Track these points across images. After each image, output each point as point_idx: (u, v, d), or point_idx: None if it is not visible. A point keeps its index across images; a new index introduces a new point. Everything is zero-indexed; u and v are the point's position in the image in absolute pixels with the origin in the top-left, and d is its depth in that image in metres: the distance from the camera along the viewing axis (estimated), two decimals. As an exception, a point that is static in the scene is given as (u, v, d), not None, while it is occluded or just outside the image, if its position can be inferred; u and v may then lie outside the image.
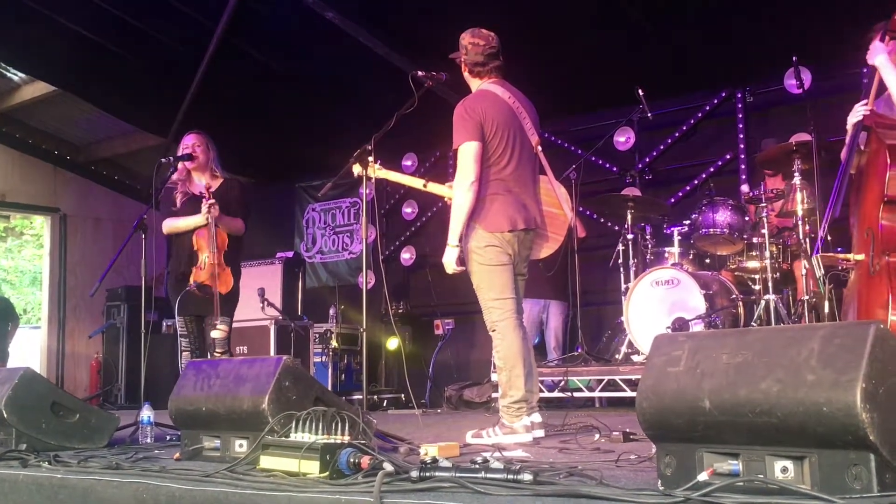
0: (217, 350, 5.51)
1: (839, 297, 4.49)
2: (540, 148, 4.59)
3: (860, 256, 4.02)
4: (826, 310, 4.23)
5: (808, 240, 5.79)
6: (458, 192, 4.28)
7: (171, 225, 5.58)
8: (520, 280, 4.51)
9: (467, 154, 4.25)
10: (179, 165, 5.62)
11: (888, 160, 3.89)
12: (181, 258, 5.58)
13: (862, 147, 4.25)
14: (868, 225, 4.00)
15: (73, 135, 11.76)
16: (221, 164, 5.79)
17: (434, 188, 4.93)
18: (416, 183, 5.01)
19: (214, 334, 5.51)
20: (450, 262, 4.32)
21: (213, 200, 5.39)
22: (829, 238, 5.50)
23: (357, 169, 4.86)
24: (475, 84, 4.51)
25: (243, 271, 5.83)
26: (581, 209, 7.73)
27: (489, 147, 4.29)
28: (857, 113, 4.19)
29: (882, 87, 4.20)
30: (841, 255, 4.14)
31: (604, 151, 8.19)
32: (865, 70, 6.89)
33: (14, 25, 8.54)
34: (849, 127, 4.24)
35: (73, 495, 2.92)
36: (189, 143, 5.64)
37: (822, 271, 4.13)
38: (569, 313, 7.85)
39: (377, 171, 4.88)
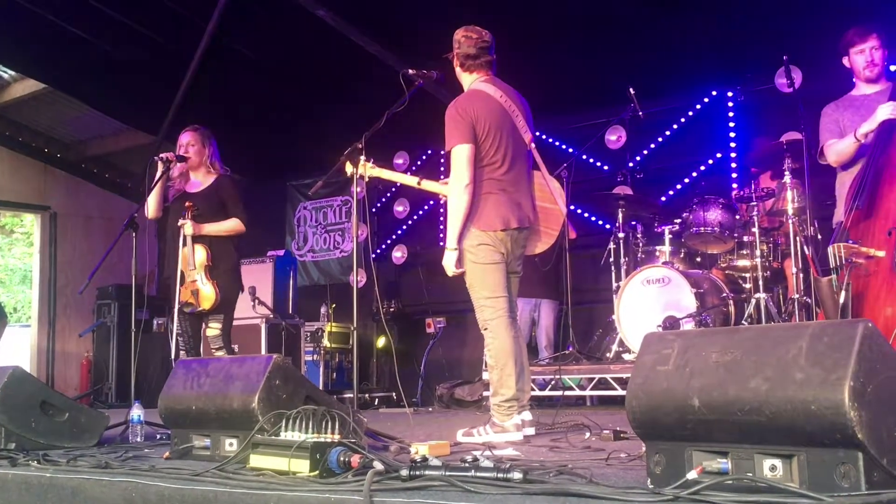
0: (213, 347, 5.51)
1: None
2: (533, 144, 4.59)
3: (881, 253, 4.04)
4: (842, 300, 4.15)
5: (798, 238, 5.81)
6: (453, 196, 4.28)
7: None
8: (514, 278, 4.52)
9: (460, 157, 4.25)
10: (178, 165, 5.60)
11: None
12: (171, 257, 5.56)
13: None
14: (892, 224, 4.03)
15: (63, 132, 11.71)
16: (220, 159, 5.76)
17: (428, 185, 4.93)
18: (411, 181, 5.00)
19: (209, 332, 5.52)
20: (449, 265, 4.32)
21: (187, 221, 5.35)
22: (818, 236, 5.56)
23: (351, 168, 4.85)
24: (467, 80, 4.50)
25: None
26: (572, 207, 7.74)
27: (482, 148, 4.29)
28: (888, 111, 4.24)
29: None
30: (863, 249, 4.14)
31: (595, 150, 8.20)
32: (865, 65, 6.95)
33: (3, 22, 8.50)
34: (875, 123, 4.32)
35: (62, 494, 2.91)
36: (183, 142, 5.62)
37: (839, 261, 4.12)
38: (560, 312, 7.86)
39: (371, 170, 4.87)
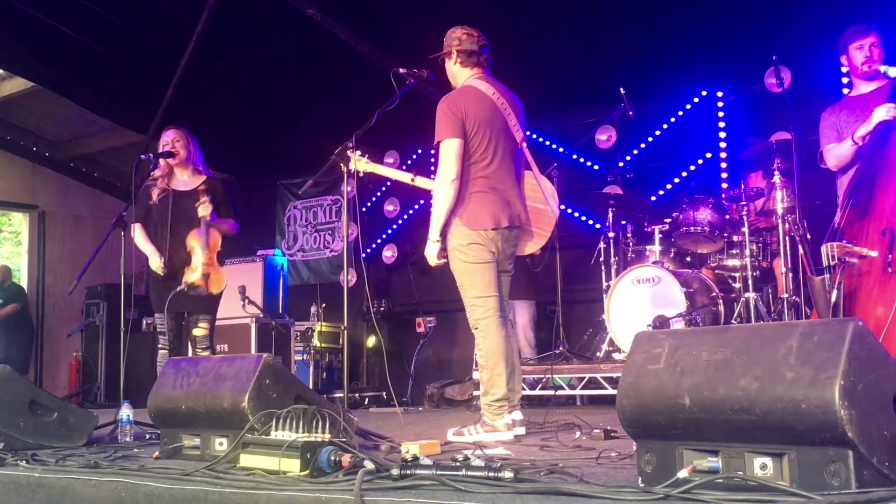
0: (199, 347, 5.48)
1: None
2: (525, 144, 4.59)
3: (874, 253, 4.07)
4: (834, 298, 4.20)
5: (788, 238, 5.82)
6: (439, 189, 4.28)
7: (136, 238, 5.52)
8: (505, 277, 4.51)
9: (448, 151, 4.26)
10: (161, 162, 5.57)
11: None
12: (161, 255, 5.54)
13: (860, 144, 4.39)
14: (886, 224, 4.06)
15: (52, 131, 11.66)
16: (204, 160, 5.76)
17: (421, 182, 4.92)
18: (404, 177, 4.98)
19: (196, 332, 5.48)
20: (431, 255, 4.34)
21: (206, 199, 5.36)
22: (808, 235, 5.58)
23: (346, 162, 4.82)
24: (462, 76, 4.48)
25: (225, 269, 5.80)
26: (562, 207, 7.75)
27: (471, 145, 4.29)
28: (890, 111, 4.27)
29: None
30: (856, 248, 4.17)
31: (585, 150, 8.21)
32: (847, 72, 6.99)
33: (-8, 21, 8.46)
34: (871, 125, 4.35)
35: (50, 494, 2.90)
36: (168, 138, 5.59)
37: (833, 260, 4.15)
38: (535, 311, 7.86)
39: (365, 165, 4.85)
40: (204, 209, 5.35)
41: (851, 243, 4.15)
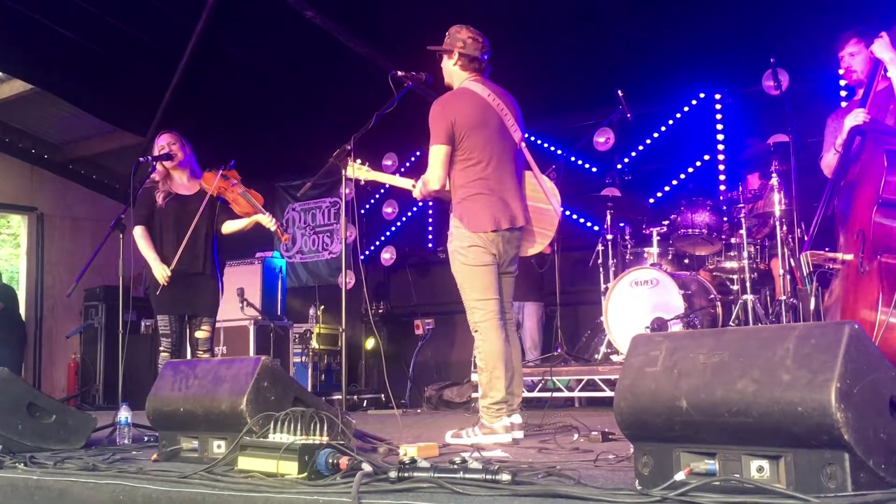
0: (200, 349, 5.48)
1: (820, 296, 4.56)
2: (524, 144, 4.58)
3: (849, 256, 4.09)
4: (812, 306, 4.30)
5: (785, 241, 5.83)
6: (423, 188, 4.37)
7: (138, 241, 5.51)
8: (508, 279, 4.50)
9: (434, 157, 4.30)
10: (158, 166, 5.57)
11: (885, 164, 3.98)
12: (162, 257, 5.54)
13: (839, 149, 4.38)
14: (859, 227, 4.07)
15: (50, 133, 11.66)
16: (199, 164, 5.77)
17: None
18: (405, 183, 4.95)
19: (199, 335, 5.48)
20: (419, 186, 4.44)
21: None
22: (805, 238, 5.60)
23: (348, 171, 4.79)
24: (459, 78, 4.47)
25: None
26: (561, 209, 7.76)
27: (464, 148, 4.28)
28: (858, 116, 4.27)
29: (880, 85, 4.33)
30: (830, 254, 4.20)
31: (584, 152, 8.22)
32: (843, 73, 6.99)
33: (-10, 23, 8.46)
34: (845, 130, 4.36)
35: (49, 496, 2.89)
36: (164, 142, 5.60)
37: (810, 269, 4.18)
38: (544, 313, 7.87)
39: (366, 174, 4.81)
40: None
41: (828, 249, 4.19)
